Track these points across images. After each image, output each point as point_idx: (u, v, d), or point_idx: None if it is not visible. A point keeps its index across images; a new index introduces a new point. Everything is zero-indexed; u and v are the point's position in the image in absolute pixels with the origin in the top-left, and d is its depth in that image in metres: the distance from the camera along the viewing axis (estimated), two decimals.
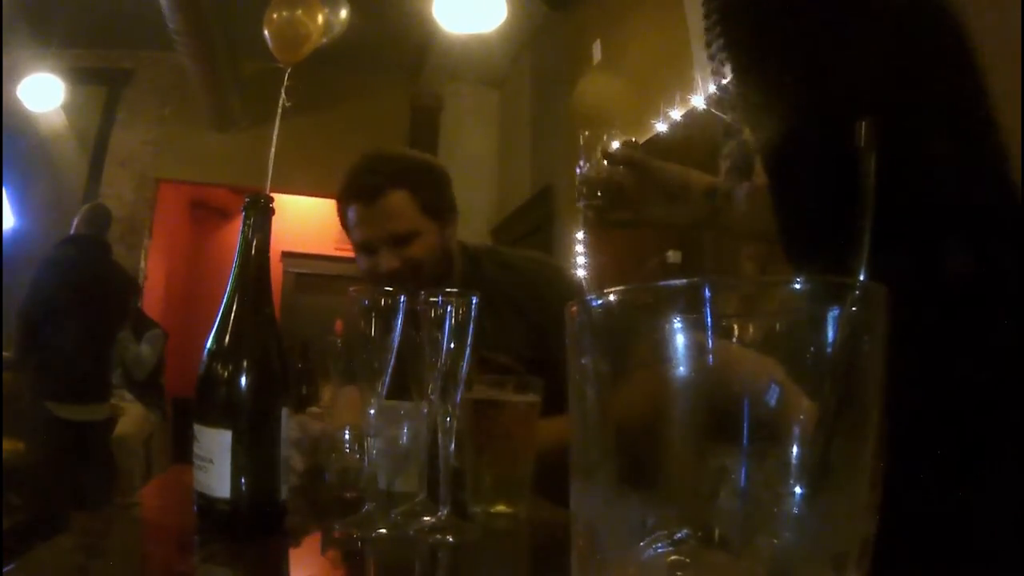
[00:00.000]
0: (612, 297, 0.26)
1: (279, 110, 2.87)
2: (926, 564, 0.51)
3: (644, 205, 0.90)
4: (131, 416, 3.72)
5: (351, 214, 1.35)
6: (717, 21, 0.72)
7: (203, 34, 4.27)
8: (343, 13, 3.16)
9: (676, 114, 2.82)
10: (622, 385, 0.26)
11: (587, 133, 0.91)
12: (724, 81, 0.73)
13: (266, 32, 3.02)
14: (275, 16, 2.98)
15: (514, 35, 4.46)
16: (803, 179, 0.64)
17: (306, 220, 6.31)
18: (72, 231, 3.28)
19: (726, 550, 0.24)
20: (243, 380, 0.72)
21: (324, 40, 3.13)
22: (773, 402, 0.23)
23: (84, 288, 3.11)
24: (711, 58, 0.73)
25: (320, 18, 3.00)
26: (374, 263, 1.33)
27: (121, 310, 3.53)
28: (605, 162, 0.91)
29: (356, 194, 1.33)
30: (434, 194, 1.36)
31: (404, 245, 1.31)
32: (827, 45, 0.62)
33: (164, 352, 4.23)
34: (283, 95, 2.87)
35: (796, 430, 0.23)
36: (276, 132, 2.94)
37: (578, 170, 0.91)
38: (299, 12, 2.96)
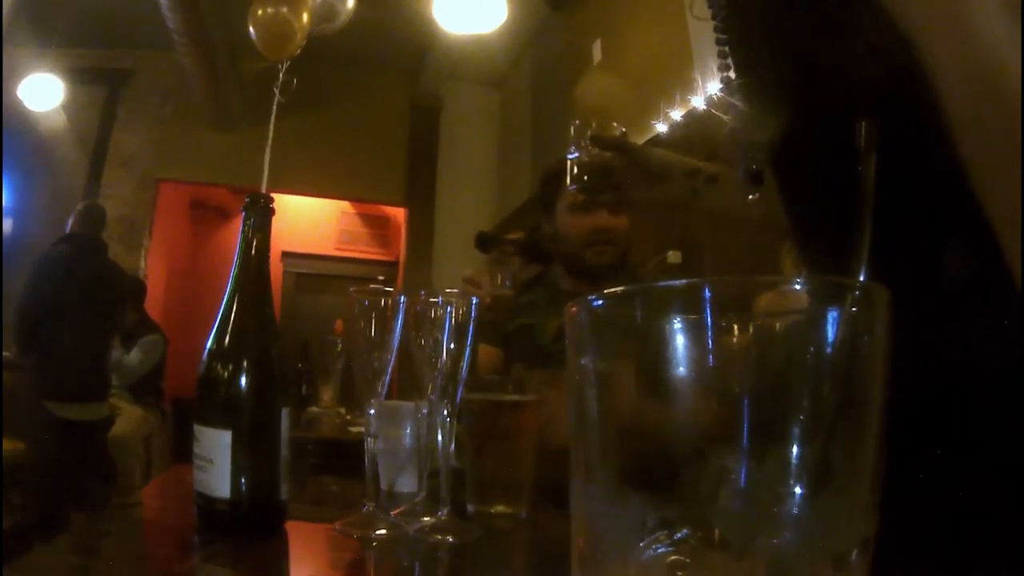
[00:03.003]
0: (612, 297, 0.26)
1: (274, 106, 2.84)
2: (926, 564, 0.51)
3: (629, 185, 0.99)
4: (127, 416, 3.70)
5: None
6: (725, 17, 0.73)
7: (203, 34, 4.26)
8: (350, 1, 3.10)
9: (676, 114, 2.82)
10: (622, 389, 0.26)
11: (578, 122, 1.00)
12: (730, 77, 0.74)
13: (251, 29, 2.99)
14: (259, 13, 2.95)
15: (514, 35, 4.45)
16: (807, 179, 0.64)
17: (306, 220, 6.31)
18: (67, 230, 3.28)
19: (726, 550, 0.24)
20: (243, 380, 0.72)
21: (326, 26, 3.08)
22: None
23: (81, 287, 3.11)
24: (720, 55, 0.74)
25: (306, 16, 2.96)
26: (591, 219, 1.65)
27: (119, 309, 3.52)
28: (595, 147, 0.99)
29: None
30: None
31: (615, 214, 1.66)
32: (827, 43, 0.62)
33: (165, 357, 4.19)
34: (276, 91, 2.84)
35: (796, 430, 0.23)
36: (271, 129, 2.91)
37: (569, 156, 0.99)
38: (284, 9, 2.92)
